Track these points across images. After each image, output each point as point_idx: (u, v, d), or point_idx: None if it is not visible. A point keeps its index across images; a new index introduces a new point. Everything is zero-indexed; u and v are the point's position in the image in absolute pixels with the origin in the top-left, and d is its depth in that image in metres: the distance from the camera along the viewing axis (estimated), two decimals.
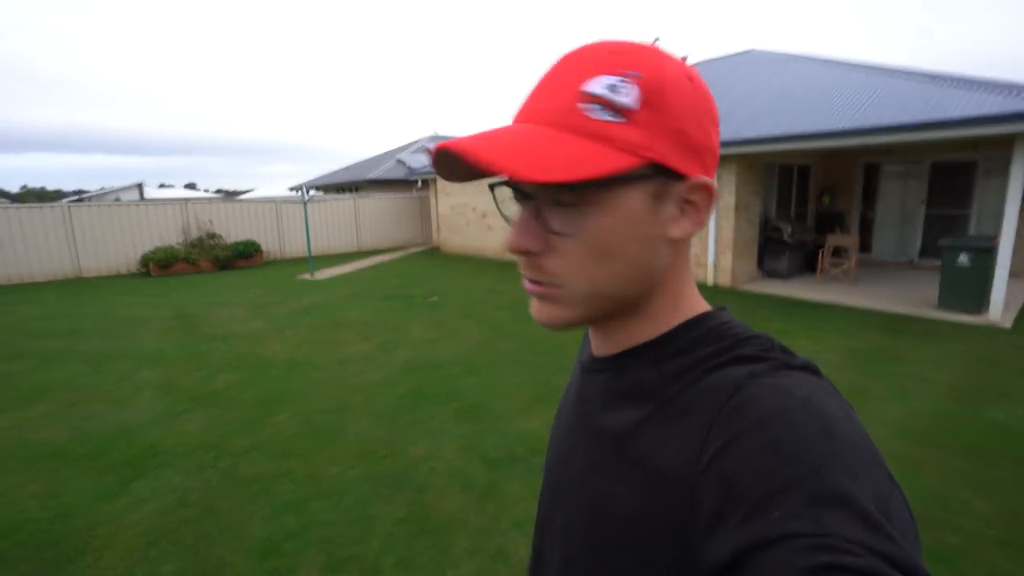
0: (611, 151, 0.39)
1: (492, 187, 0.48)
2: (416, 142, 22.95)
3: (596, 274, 0.43)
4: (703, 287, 8.07)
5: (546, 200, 0.43)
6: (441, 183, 14.54)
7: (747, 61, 11.61)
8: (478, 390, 4.31)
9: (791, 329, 5.73)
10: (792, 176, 9.38)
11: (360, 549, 2.38)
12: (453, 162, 0.43)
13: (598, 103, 0.39)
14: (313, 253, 13.94)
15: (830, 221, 9.70)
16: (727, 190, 7.84)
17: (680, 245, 0.45)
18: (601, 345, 0.50)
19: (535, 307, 0.47)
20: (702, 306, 0.48)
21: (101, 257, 11.85)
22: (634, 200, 0.41)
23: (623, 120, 0.39)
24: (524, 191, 0.44)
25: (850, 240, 8.09)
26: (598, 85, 0.39)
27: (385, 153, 22.84)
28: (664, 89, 0.40)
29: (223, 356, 5.50)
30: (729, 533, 0.33)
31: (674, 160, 0.41)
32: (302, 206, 13.38)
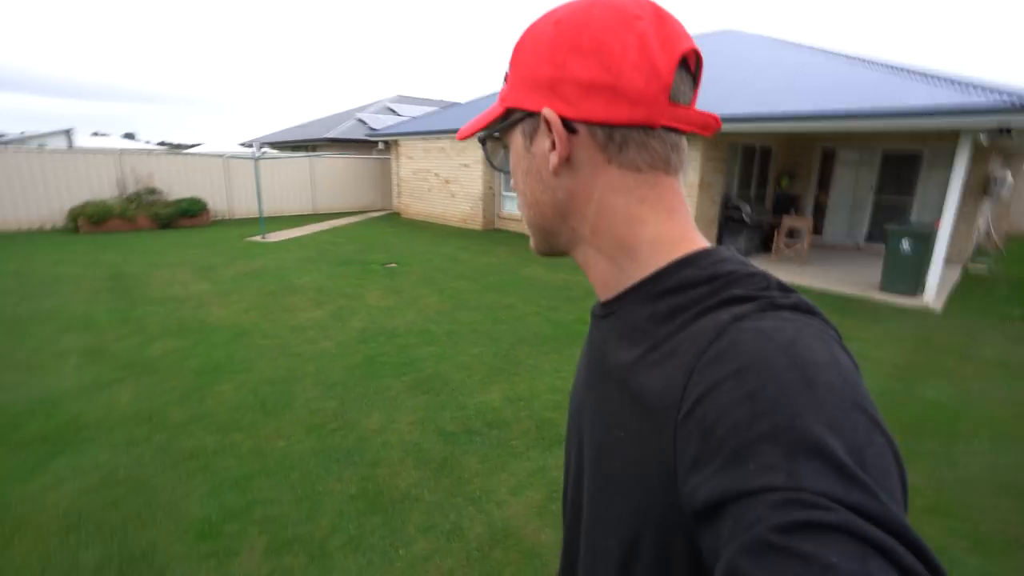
0: (495, 106, 0.50)
1: (481, 143, 0.54)
2: (379, 102, 21.91)
3: (519, 204, 0.52)
4: None
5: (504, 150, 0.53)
6: (404, 146, 13.99)
7: (725, 40, 11.58)
8: (435, 360, 4.19)
9: None
10: (754, 157, 9.52)
11: (307, 529, 2.25)
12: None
13: (504, 76, 0.50)
14: (265, 214, 13.20)
15: (786, 203, 9.97)
16: (691, 167, 7.87)
17: (576, 178, 0.46)
18: (598, 290, 0.51)
19: None
20: (693, 244, 0.46)
21: (20, 209, 10.77)
22: (516, 140, 0.49)
23: (504, 82, 0.49)
24: (502, 146, 0.53)
25: (804, 222, 8.34)
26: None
27: (345, 112, 21.73)
28: (520, 47, 0.47)
29: (162, 321, 5.12)
30: (705, 481, 0.33)
31: (523, 101, 0.46)
32: (253, 163, 12.58)
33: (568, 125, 0.44)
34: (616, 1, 0.43)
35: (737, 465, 0.31)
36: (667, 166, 0.46)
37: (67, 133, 25.04)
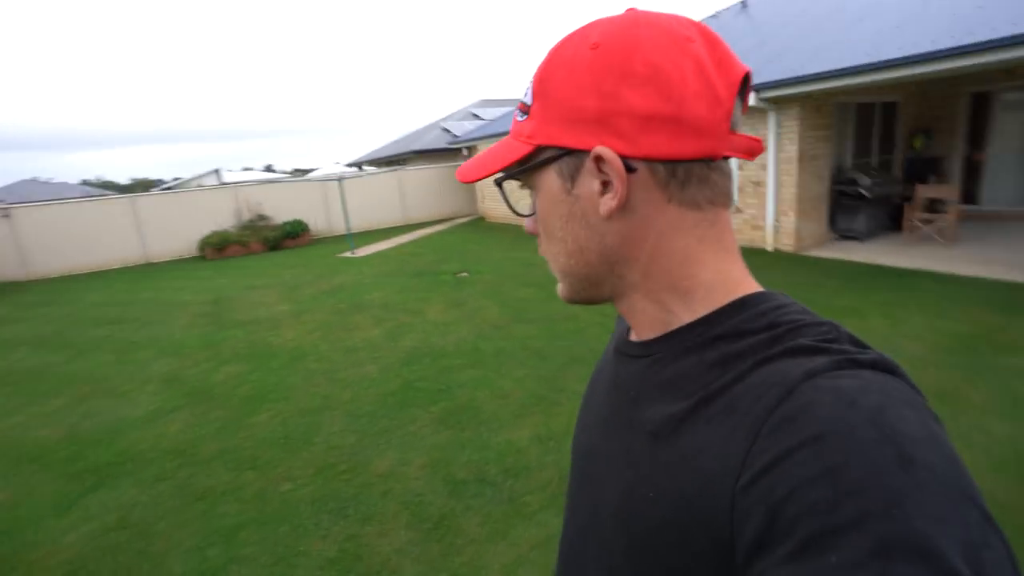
0: (517, 144, 0.45)
1: (497, 183, 0.49)
2: (463, 108, 22.34)
3: (552, 251, 0.47)
4: (762, 253, 7.06)
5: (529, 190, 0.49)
6: (482, 150, 14.01)
7: None
8: (474, 386, 3.88)
9: (862, 307, 4.74)
10: (873, 117, 7.85)
11: None
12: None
13: (519, 108, 0.47)
14: (359, 229, 14.02)
15: (922, 168, 8.11)
16: (787, 138, 6.67)
17: (630, 222, 0.42)
18: (636, 330, 0.47)
19: None
20: (748, 287, 0.43)
21: (165, 243, 12.57)
22: (550, 182, 0.44)
23: (526, 117, 0.45)
24: (525, 186, 0.49)
25: (948, 191, 6.67)
26: (523, 91, 0.47)
27: (431, 123, 22.49)
28: (549, 76, 0.42)
29: (236, 345, 5.46)
30: (773, 566, 0.29)
31: (560, 138, 0.42)
32: (342, 184, 13.38)
33: (626, 163, 0.40)
34: (660, 21, 0.40)
35: (814, 554, 0.27)
36: (727, 199, 0.43)
37: (216, 172, 29.04)
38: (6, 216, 11.21)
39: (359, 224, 14.22)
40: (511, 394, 3.71)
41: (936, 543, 0.25)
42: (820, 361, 0.33)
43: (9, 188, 28.38)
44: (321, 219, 14.22)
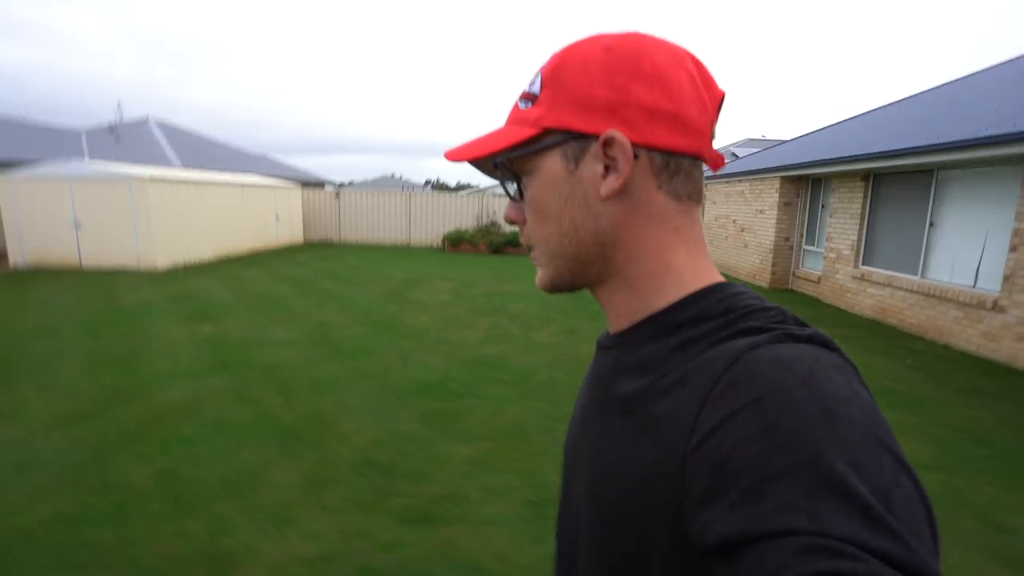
0: (519, 128, 0.47)
1: (495, 166, 0.50)
2: (724, 147, 20.95)
3: (543, 233, 0.48)
4: None
5: (513, 177, 0.49)
6: (710, 190, 13.07)
7: None
8: (487, 402, 4.01)
9: None
10: None
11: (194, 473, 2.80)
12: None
13: (523, 97, 0.49)
14: None
15: None
16: None
17: (624, 205, 0.45)
18: (611, 321, 0.51)
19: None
20: (711, 278, 0.47)
21: (422, 233, 15.93)
22: (551, 164, 0.46)
23: (531, 104, 0.47)
24: (511, 173, 0.49)
25: None
26: (527, 84, 0.49)
27: None
28: (562, 68, 0.46)
29: (382, 314, 6.76)
30: (718, 517, 0.32)
31: (574, 122, 0.44)
32: None
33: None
34: (660, 40, 0.46)
35: (754, 502, 0.30)
36: (700, 196, 0.48)
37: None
38: (337, 197, 16.09)
39: None
40: (504, 420, 3.71)
41: (851, 482, 0.28)
42: (763, 337, 0.38)
43: (376, 181, 40.07)
44: None
